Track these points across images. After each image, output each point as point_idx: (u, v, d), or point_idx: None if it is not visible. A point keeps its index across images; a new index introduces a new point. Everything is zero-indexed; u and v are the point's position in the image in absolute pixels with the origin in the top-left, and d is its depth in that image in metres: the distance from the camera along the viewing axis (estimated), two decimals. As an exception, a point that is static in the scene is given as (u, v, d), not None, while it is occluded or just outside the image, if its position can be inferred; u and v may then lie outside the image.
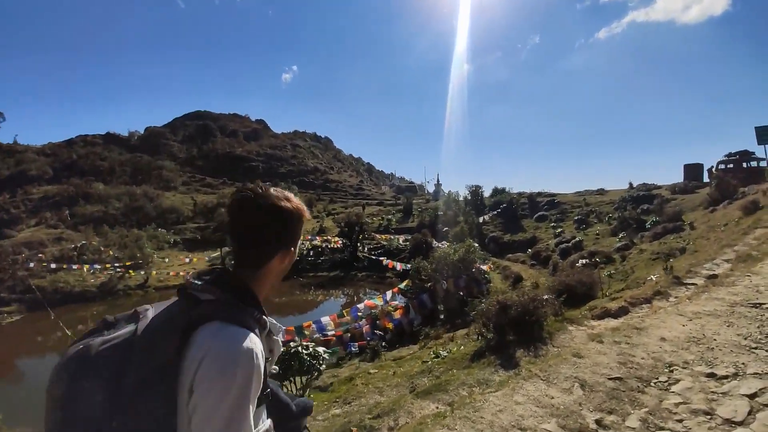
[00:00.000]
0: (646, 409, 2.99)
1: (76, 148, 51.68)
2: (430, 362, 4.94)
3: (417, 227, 28.88)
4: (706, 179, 23.61)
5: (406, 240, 25.59)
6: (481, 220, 27.68)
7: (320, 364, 5.16)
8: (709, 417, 2.81)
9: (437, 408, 3.60)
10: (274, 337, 0.99)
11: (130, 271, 24.35)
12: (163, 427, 0.81)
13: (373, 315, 13.34)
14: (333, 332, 11.97)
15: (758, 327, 4.14)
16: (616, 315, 5.16)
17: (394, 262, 20.06)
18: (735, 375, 3.28)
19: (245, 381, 0.80)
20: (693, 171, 25.30)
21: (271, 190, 0.99)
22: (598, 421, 2.92)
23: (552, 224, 23.87)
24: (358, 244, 26.62)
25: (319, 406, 4.85)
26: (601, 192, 28.53)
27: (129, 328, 0.88)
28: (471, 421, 3.11)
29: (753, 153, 21.11)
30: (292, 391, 5.15)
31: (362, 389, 4.80)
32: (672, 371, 3.47)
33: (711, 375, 3.31)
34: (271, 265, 0.98)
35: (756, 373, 3.25)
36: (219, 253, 27.68)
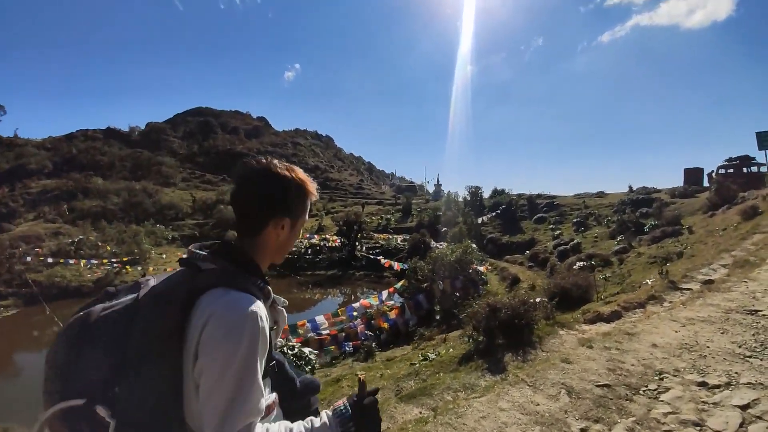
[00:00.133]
0: (634, 419, 2.89)
1: (76, 143, 51.64)
2: (417, 365, 4.84)
3: (416, 227, 28.77)
4: (706, 184, 23.48)
5: (404, 240, 25.49)
6: (480, 221, 27.56)
7: (306, 365, 5.06)
8: (698, 428, 2.71)
9: (420, 413, 3.50)
10: (279, 307, 0.98)
11: (127, 267, 24.28)
12: (168, 393, 0.81)
13: (368, 315, 13.24)
14: (327, 331, 11.88)
15: (753, 335, 4.04)
16: (608, 319, 5.05)
17: (392, 262, 19.96)
18: (727, 384, 3.17)
19: (251, 342, 0.79)
20: (693, 175, 25.16)
21: (275, 161, 0.98)
22: (583, 430, 2.82)
23: (551, 226, 23.75)
24: (357, 243, 26.52)
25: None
26: (600, 195, 28.39)
27: (131, 296, 0.87)
28: (453, 428, 3.01)
29: (754, 158, 20.99)
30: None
31: (347, 391, 4.71)
32: (662, 379, 3.36)
33: (702, 384, 3.21)
34: (267, 234, 0.96)
35: (749, 383, 3.15)
36: (217, 249, 27.60)
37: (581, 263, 13.66)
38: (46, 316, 16.97)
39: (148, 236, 28.66)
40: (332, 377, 6.79)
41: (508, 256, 20.91)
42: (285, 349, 5.11)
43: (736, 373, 3.32)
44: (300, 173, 1.02)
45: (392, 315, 13.50)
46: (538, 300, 5.96)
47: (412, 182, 66.71)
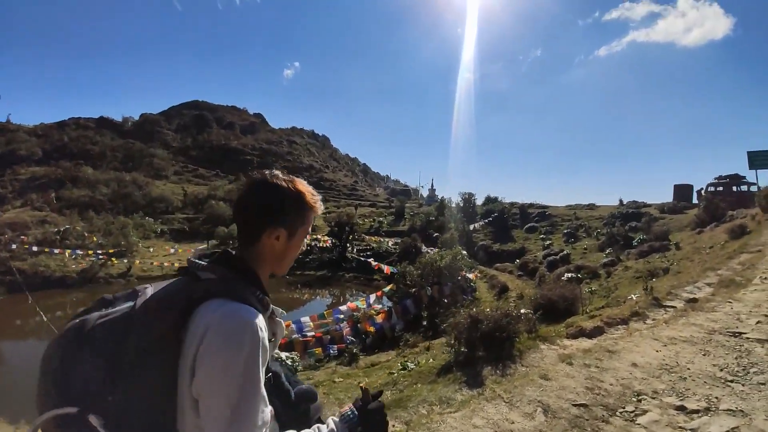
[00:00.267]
0: (609, 442, 2.81)
1: (67, 131, 50.95)
2: (396, 374, 4.74)
3: (408, 231, 28.74)
4: (695, 200, 23.70)
5: (395, 243, 25.40)
6: (471, 227, 27.59)
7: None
8: (674, 455, 2.64)
9: (393, 426, 3.39)
10: (277, 318, 0.97)
11: (113, 259, 23.90)
12: (162, 404, 0.79)
13: (354, 318, 13.11)
14: (312, 333, 11.73)
15: (736, 358, 3.98)
16: (590, 335, 4.99)
17: (382, 265, 19.87)
18: (706, 410, 3.10)
19: (252, 352, 0.78)
20: (683, 191, 25.40)
21: (277, 172, 0.99)
22: (557, 453, 2.74)
23: (541, 236, 23.84)
24: (348, 245, 26.38)
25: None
26: (591, 207, 28.59)
27: (128, 305, 0.86)
28: (424, 445, 2.91)
29: (744, 177, 21.22)
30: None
31: (322, 400, 4.57)
32: (640, 401, 3.29)
33: (681, 408, 3.14)
34: (262, 244, 0.95)
35: (729, 410, 3.08)
36: (206, 245, 27.25)
37: (569, 274, 13.64)
38: (29, 305, 16.67)
39: (136, 228, 28.23)
40: (313, 381, 6.66)
41: (498, 264, 20.93)
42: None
43: (716, 398, 3.26)
44: (300, 185, 1.00)
45: (379, 319, 13.38)
46: (523, 311, 5.90)
47: (406, 186, 66.83)
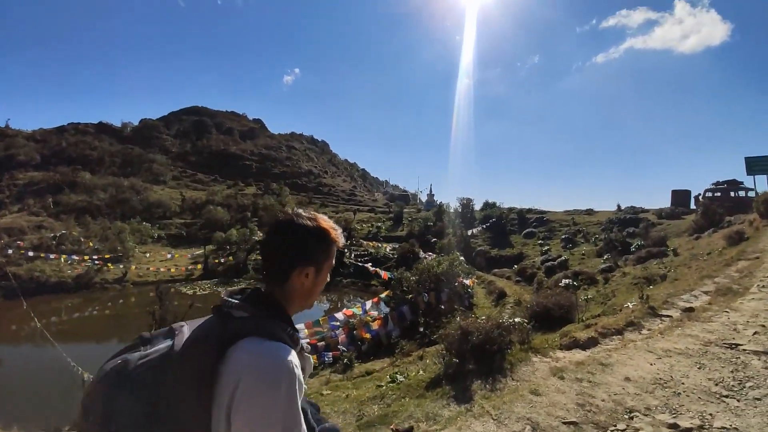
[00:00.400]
0: (599, 463, 2.70)
1: (66, 136, 50.91)
2: (384, 387, 4.63)
3: (406, 236, 28.62)
4: (693, 206, 23.63)
5: (393, 249, 25.28)
6: (470, 233, 27.48)
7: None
8: (665, 477, 2.53)
9: (377, 444, 3.28)
10: (306, 354, 1.00)
11: (109, 264, 23.75)
12: None
13: (350, 324, 12.97)
14: (307, 340, 11.59)
15: (732, 372, 3.87)
16: (584, 346, 4.88)
17: (379, 270, 19.74)
18: (700, 428, 3.00)
19: (290, 391, 0.81)
20: (680, 197, 25.32)
21: (301, 211, 1.03)
22: (544, 475, 2.63)
23: (540, 241, 23.72)
24: (346, 250, 26.25)
25: None
26: (589, 212, 28.48)
27: (166, 344, 0.90)
28: (407, 465, 2.80)
29: (741, 183, 21.19)
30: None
31: None
32: (632, 418, 3.18)
33: (673, 426, 3.03)
34: (293, 282, 0.99)
35: (723, 428, 2.97)
36: (203, 251, 27.09)
37: (567, 280, 13.56)
38: (25, 310, 16.58)
39: (133, 234, 28.10)
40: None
41: (496, 270, 20.81)
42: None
43: (711, 414, 3.15)
44: (324, 222, 1.03)
45: (375, 326, 13.24)
46: (517, 320, 5.80)
47: (405, 191, 66.77)
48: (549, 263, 18.53)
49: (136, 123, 61.53)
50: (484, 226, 28.21)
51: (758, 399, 3.34)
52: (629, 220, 22.36)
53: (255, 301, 0.95)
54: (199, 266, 25.57)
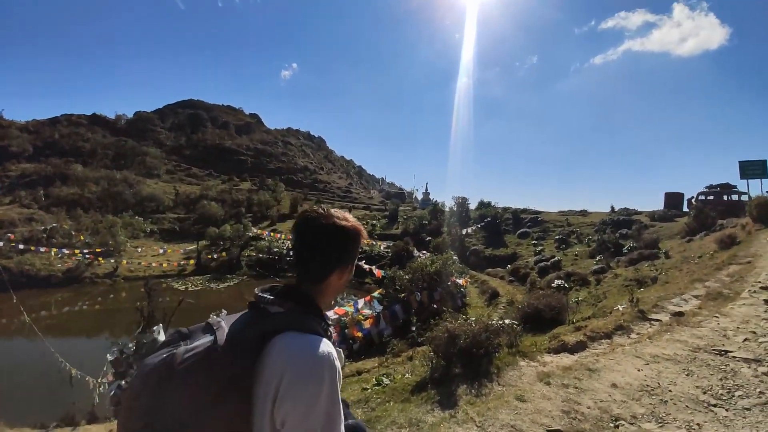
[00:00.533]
0: (582, 474, 2.64)
1: (59, 127, 50.31)
2: (369, 390, 4.55)
3: (401, 234, 28.54)
4: (686, 209, 23.71)
5: (387, 247, 25.20)
6: (464, 232, 27.46)
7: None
8: (649, 489, 2.47)
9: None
10: (337, 348, 0.99)
11: (100, 259, 23.49)
12: (241, 430, 0.85)
13: (342, 323, 12.89)
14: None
15: (720, 379, 3.82)
16: (572, 350, 4.82)
17: (373, 268, 19.66)
18: (686, 437, 2.95)
19: (332, 382, 0.83)
20: (673, 199, 25.41)
21: (332, 210, 1.04)
22: (526, 486, 2.56)
23: (533, 242, 23.74)
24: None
25: None
26: (583, 213, 28.54)
27: (208, 338, 0.90)
28: (386, 474, 2.72)
29: (735, 186, 21.25)
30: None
31: None
32: (617, 426, 3.12)
33: (659, 435, 2.98)
34: (330, 281, 1.01)
35: (709, 437, 2.92)
36: (196, 246, 26.87)
37: (559, 281, 13.57)
38: (14, 304, 16.39)
39: (124, 228, 27.80)
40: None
41: (490, 269, 20.79)
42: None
43: (698, 424, 3.10)
44: (353, 221, 1.05)
45: (367, 324, 13.17)
46: (507, 322, 5.73)
47: (401, 189, 66.65)
48: (542, 263, 18.55)
49: (130, 115, 60.96)
50: (479, 226, 28.20)
51: (747, 409, 3.28)
52: (622, 222, 22.41)
53: (290, 297, 0.96)
54: (192, 262, 25.35)
